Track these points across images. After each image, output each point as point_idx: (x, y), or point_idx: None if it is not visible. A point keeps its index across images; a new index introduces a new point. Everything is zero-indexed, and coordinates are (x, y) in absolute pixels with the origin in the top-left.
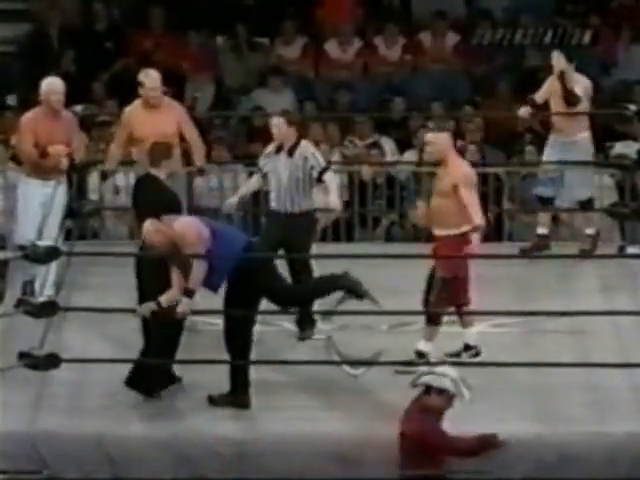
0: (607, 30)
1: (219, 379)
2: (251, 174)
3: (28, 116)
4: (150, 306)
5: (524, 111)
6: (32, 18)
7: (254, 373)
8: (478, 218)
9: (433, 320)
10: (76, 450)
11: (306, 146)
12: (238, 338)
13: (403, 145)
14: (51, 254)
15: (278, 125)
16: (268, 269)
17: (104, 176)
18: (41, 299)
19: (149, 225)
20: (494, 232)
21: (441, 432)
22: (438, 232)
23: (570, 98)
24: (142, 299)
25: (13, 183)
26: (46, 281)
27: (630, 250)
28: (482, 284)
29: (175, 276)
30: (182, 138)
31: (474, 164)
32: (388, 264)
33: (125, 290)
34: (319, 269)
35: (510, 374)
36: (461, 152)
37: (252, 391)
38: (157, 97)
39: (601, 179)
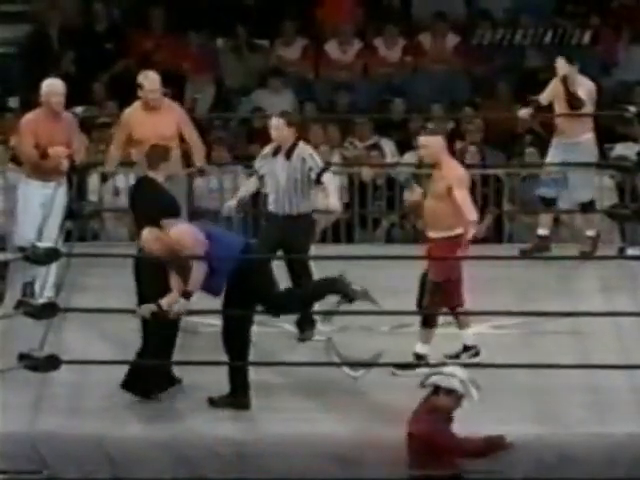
0: (607, 30)
1: (219, 380)
2: (250, 175)
3: (28, 117)
4: (150, 307)
5: (524, 112)
6: (32, 19)
7: (254, 374)
8: (472, 215)
9: (428, 323)
10: (76, 451)
11: (304, 147)
12: (236, 339)
13: (403, 146)
14: (51, 255)
15: (278, 127)
16: (264, 270)
17: (104, 178)
18: (41, 300)
19: (148, 234)
20: (494, 233)
21: (449, 433)
22: (431, 234)
23: (573, 102)
24: (141, 302)
25: (13, 184)
26: (46, 282)
27: (630, 251)
28: (482, 285)
29: (174, 280)
30: (182, 139)
31: (474, 165)
32: (388, 265)
33: (125, 291)
34: (319, 270)
35: (510, 375)
36: (461, 153)
37: (252, 392)
38: (157, 99)
39: (601, 180)
